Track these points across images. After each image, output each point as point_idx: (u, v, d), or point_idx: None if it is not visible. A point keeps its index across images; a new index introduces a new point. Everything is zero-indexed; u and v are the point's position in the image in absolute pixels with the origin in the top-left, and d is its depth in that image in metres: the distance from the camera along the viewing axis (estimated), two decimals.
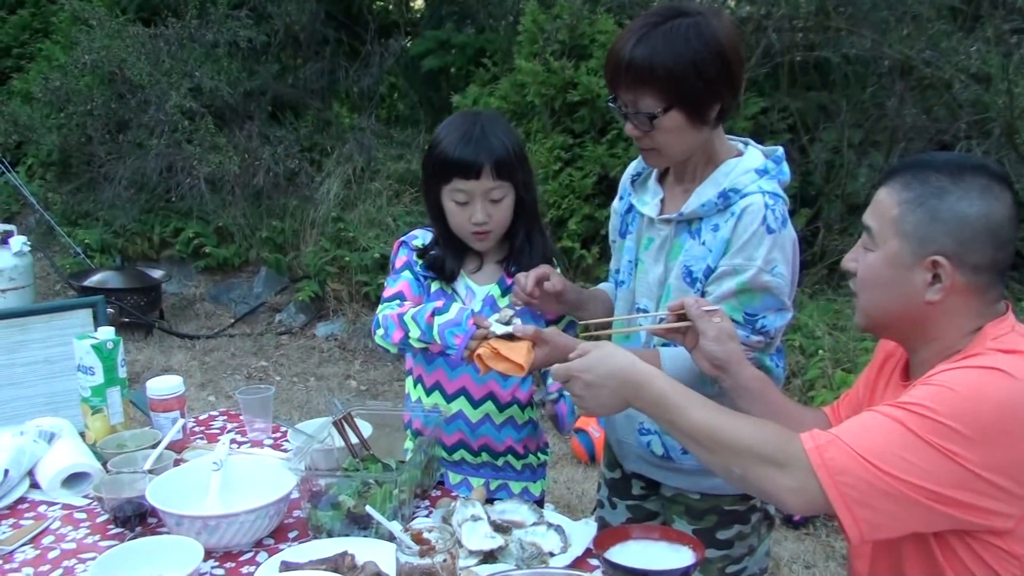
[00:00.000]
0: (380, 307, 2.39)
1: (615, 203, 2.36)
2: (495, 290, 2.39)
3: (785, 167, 2.10)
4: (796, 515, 4.23)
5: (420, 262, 2.42)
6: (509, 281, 2.36)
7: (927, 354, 1.66)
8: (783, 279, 2.02)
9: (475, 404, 2.40)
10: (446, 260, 2.39)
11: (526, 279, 2.21)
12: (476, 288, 2.40)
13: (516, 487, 2.48)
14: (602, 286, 2.49)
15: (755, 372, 1.91)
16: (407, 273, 2.42)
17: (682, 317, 1.90)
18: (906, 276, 1.62)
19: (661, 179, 2.25)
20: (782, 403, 1.93)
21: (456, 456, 2.44)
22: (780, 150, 2.12)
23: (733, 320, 2.01)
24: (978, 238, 1.58)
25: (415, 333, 2.25)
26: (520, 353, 2.13)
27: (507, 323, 2.17)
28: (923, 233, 1.60)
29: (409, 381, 2.52)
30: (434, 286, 2.41)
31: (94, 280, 6.97)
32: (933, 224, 1.59)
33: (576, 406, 1.81)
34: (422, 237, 2.46)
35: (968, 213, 1.58)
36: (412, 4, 9.34)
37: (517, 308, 2.23)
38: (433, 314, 2.22)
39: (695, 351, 1.90)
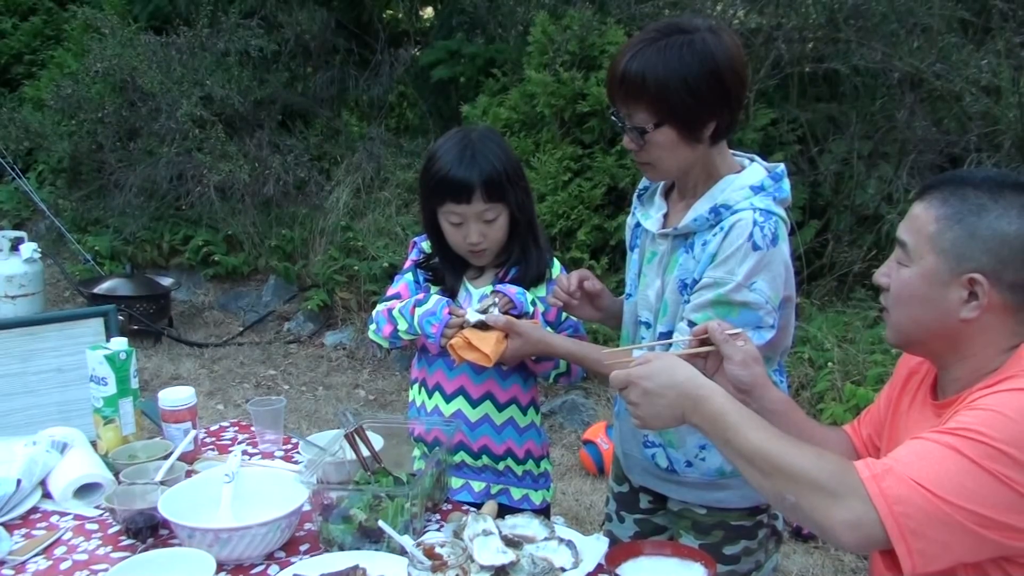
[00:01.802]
0: (378, 304, 2.48)
1: (629, 216, 2.38)
2: (488, 290, 2.44)
3: (784, 184, 2.10)
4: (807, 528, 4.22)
5: (421, 271, 2.51)
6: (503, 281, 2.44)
7: (960, 372, 1.64)
8: (763, 296, 2.02)
9: (473, 404, 2.43)
10: (446, 277, 2.47)
11: (568, 279, 2.29)
12: (473, 291, 2.47)
13: (517, 493, 2.50)
14: None
15: (779, 394, 1.90)
16: (409, 275, 2.51)
17: (705, 342, 1.88)
18: (942, 293, 1.60)
19: (667, 194, 2.27)
20: (806, 424, 1.92)
21: (456, 459, 2.46)
22: (781, 167, 2.13)
23: None
24: (1016, 257, 1.56)
25: (403, 326, 2.36)
26: (488, 344, 2.19)
27: (484, 312, 2.22)
28: (961, 250, 1.57)
29: (414, 388, 2.56)
30: (434, 290, 2.48)
31: (104, 287, 6.99)
32: (972, 241, 1.57)
33: (631, 415, 1.76)
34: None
35: (1007, 231, 1.55)
36: (422, 14, 9.36)
37: (497, 301, 2.30)
38: (415, 305, 2.34)
39: (717, 375, 1.87)
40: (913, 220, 1.65)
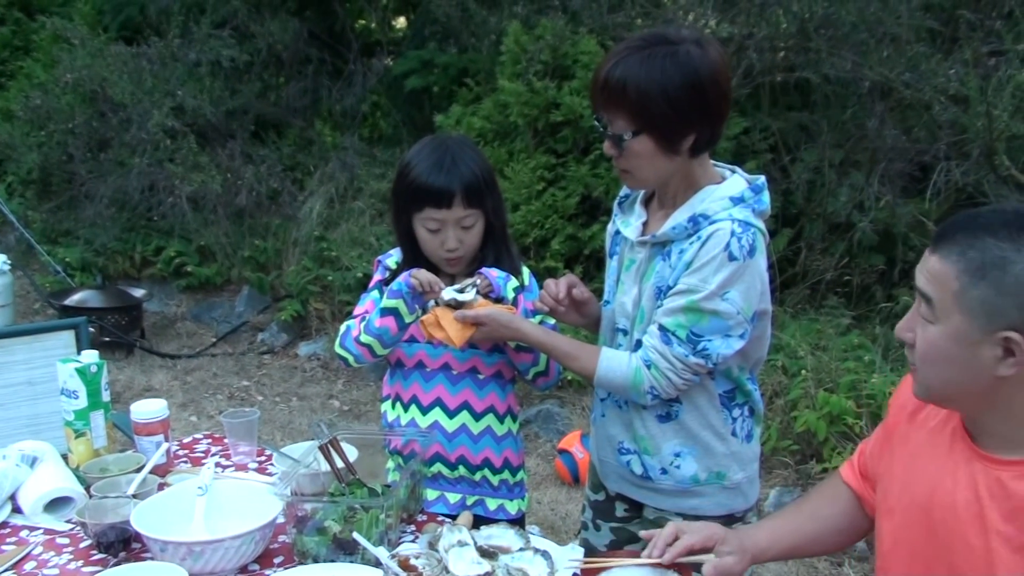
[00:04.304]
0: (347, 323, 2.46)
1: (609, 224, 2.39)
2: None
3: (764, 197, 2.12)
4: None
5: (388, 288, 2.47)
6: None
7: (997, 425, 1.55)
8: (735, 307, 2.03)
9: (450, 414, 2.43)
10: None
11: (557, 286, 2.28)
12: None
13: (492, 504, 2.49)
14: None
15: (766, 530, 1.89)
16: (375, 292, 2.49)
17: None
18: (973, 352, 1.49)
19: (647, 202, 2.27)
20: (810, 516, 1.91)
21: (433, 469, 2.45)
22: (761, 179, 2.14)
23: (676, 336, 2.05)
24: None
25: (369, 340, 2.36)
26: (455, 328, 2.17)
27: (462, 291, 2.22)
28: (990, 308, 1.46)
29: (387, 404, 2.55)
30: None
31: (75, 299, 6.93)
32: (1000, 298, 1.45)
33: None
34: (397, 255, 2.51)
35: None
36: (395, 24, 9.36)
37: (479, 283, 2.29)
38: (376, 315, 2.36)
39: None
40: (934, 274, 1.52)
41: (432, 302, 2.28)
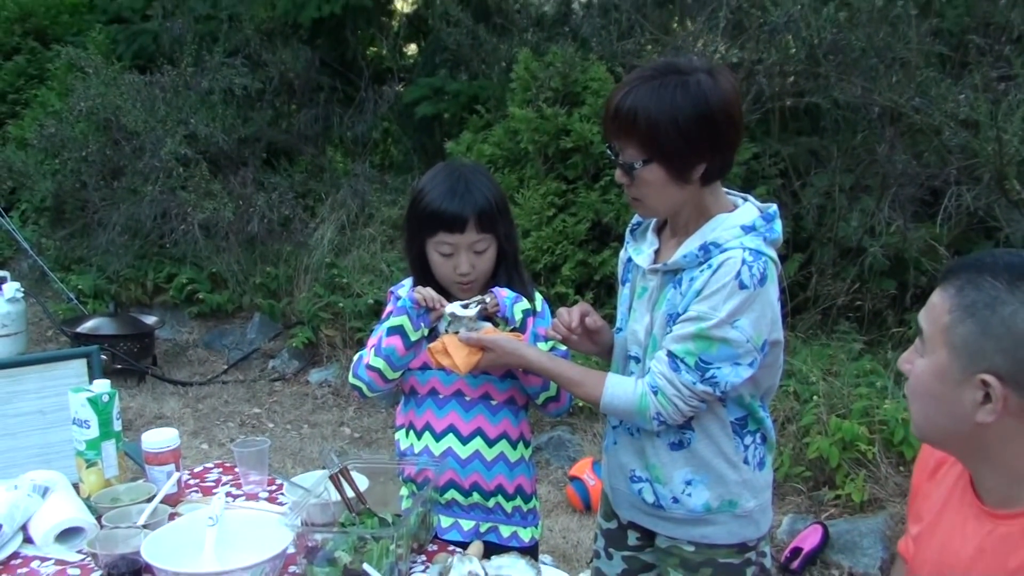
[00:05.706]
0: (360, 355, 2.48)
1: (621, 251, 2.39)
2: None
3: (776, 225, 2.11)
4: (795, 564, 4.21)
5: None
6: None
7: (992, 480, 1.51)
8: (744, 335, 2.02)
9: (464, 440, 2.43)
10: (428, 314, 2.44)
11: (570, 314, 2.28)
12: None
13: (505, 531, 2.49)
14: None
15: None
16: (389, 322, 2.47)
17: None
18: (955, 392, 1.45)
19: (659, 230, 2.28)
20: None
21: (447, 496, 2.45)
22: (773, 207, 2.14)
23: (684, 363, 2.04)
24: None
25: (379, 363, 2.39)
26: (461, 354, 2.19)
27: (466, 307, 2.23)
28: (973, 348, 1.42)
29: (400, 432, 2.55)
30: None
31: (87, 326, 6.95)
32: (984, 338, 1.41)
33: None
34: (409, 285, 2.51)
35: (1023, 329, 1.38)
36: (406, 51, 9.41)
37: (487, 300, 2.31)
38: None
39: None
40: (931, 307, 1.50)
41: (443, 329, 2.29)
